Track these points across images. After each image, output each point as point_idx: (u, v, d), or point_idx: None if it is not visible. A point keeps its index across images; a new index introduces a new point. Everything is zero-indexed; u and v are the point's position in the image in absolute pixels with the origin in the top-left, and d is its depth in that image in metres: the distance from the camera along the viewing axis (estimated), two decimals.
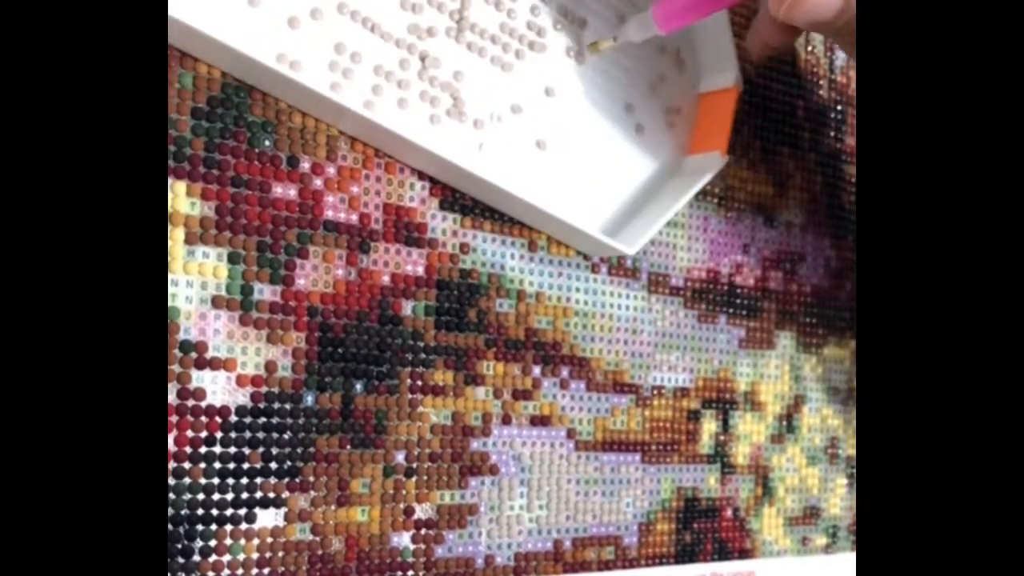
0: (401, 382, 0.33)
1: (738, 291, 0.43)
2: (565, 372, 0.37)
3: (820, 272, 0.47)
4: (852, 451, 0.48)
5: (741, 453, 0.43)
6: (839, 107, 0.48)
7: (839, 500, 0.47)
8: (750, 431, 0.43)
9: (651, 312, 0.40)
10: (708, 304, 0.42)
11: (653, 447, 0.40)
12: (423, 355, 0.33)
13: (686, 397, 0.41)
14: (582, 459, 0.37)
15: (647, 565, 0.39)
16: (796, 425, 0.45)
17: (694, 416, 0.41)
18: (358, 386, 0.32)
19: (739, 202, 0.43)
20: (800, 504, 0.45)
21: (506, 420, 0.35)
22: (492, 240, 0.35)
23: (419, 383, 0.33)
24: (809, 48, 0.47)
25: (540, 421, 0.36)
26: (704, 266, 0.42)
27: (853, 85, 0.49)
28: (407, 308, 0.33)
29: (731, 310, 0.43)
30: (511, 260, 0.36)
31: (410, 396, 0.33)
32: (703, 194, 0.41)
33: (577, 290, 0.38)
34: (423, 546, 0.33)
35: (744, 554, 0.43)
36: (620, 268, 0.39)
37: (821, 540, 0.46)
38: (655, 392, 0.40)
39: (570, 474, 0.37)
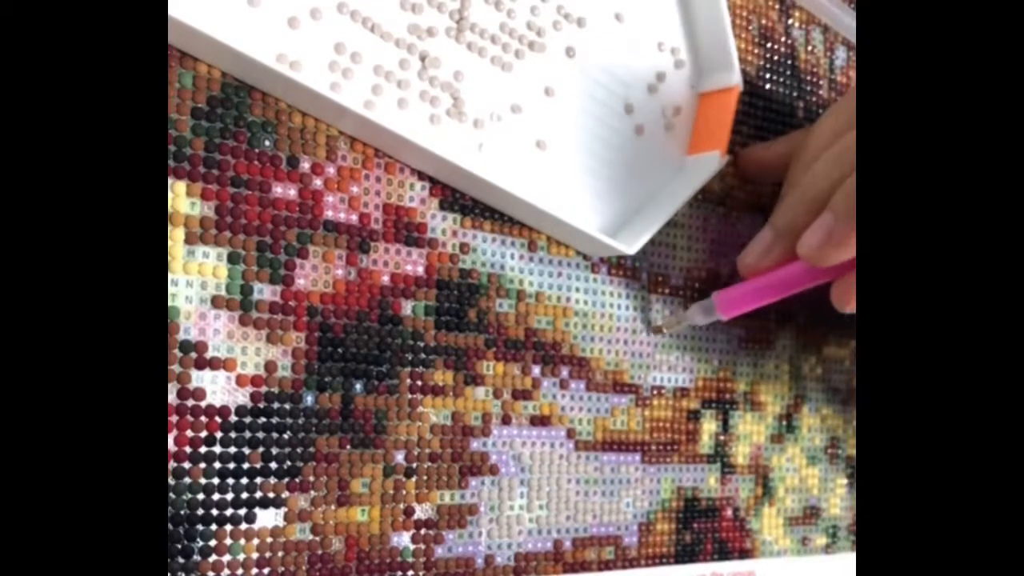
0: (401, 382, 0.33)
1: None
2: (565, 372, 0.37)
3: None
4: (852, 451, 0.48)
5: (741, 453, 0.43)
6: None
7: (839, 500, 0.47)
8: (750, 431, 0.43)
9: (651, 312, 0.40)
10: None
11: (653, 447, 0.40)
12: (423, 355, 0.33)
13: (686, 397, 0.41)
14: (582, 459, 0.37)
15: (647, 565, 0.39)
16: (796, 425, 0.45)
17: (694, 416, 0.41)
18: (358, 386, 0.32)
19: (739, 202, 0.43)
20: (800, 504, 0.45)
21: (506, 420, 0.35)
22: (492, 240, 0.35)
23: (419, 383, 0.33)
24: (809, 48, 0.47)
25: (540, 421, 0.36)
26: (704, 266, 0.42)
27: (853, 85, 0.49)
28: (407, 308, 0.33)
29: None
30: (511, 260, 0.36)
31: (410, 396, 0.33)
32: (703, 194, 0.41)
33: (577, 290, 0.38)
34: (423, 546, 0.33)
35: (744, 554, 0.43)
36: (620, 268, 0.39)
37: (821, 540, 0.46)
38: (655, 392, 0.40)
39: (570, 474, 0.37)
